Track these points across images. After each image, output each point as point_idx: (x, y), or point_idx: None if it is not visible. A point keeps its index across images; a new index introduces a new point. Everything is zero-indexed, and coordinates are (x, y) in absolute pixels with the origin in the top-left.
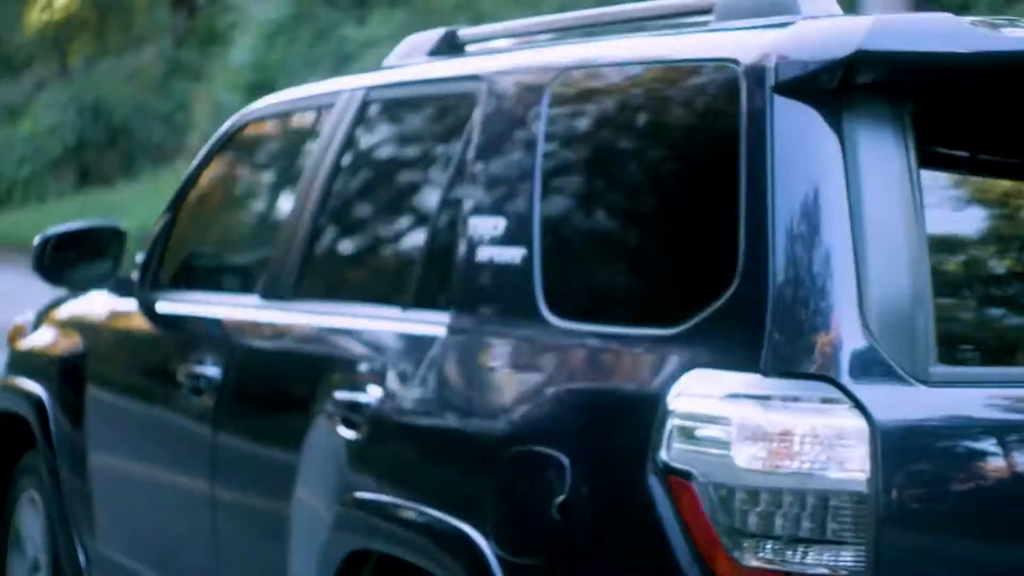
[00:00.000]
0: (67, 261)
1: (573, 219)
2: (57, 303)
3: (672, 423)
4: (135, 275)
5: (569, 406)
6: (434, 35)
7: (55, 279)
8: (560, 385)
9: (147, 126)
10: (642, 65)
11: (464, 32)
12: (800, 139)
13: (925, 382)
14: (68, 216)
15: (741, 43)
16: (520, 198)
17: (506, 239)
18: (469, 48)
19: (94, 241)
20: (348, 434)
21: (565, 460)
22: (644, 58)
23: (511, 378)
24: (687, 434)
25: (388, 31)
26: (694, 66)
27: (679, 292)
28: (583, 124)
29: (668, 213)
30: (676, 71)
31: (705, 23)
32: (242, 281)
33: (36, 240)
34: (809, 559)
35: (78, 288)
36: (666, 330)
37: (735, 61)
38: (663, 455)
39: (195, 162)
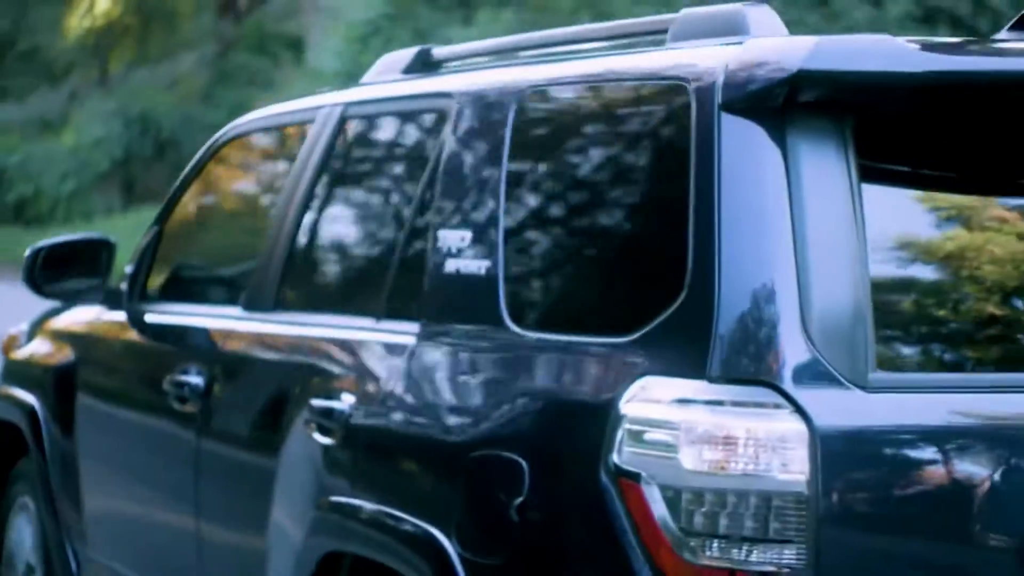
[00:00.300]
0: (57, 273)
1: (535, 232)
2: (51, 314)
3: (623, 427)
4: (124, 287)
5: (529, 412)
6: (409, 53)
7: (45, 291)
8: (521, 392)
9: (194, 138)
10: (600, 83)
11: (438, 50)
12: (746, 155)
13: (864, 388)
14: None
15: (692, 62)
16: (486, 212)
17: (472, 251)
18: (444, 66)
19: (84, 253)
20: (323, 440)
21: (524, 463)
22: (602, 76)
23: (475, 385)
24: (636, 437)
25: (496, 32)
26: (648, 84)
27: (632, 303)
28: (545, 141)
29: (622, 226)
30: (632, 89)
31: (661, 43)
32: (226, 293)
33: (27, 252)
34: (753, 557)
35: (68, 300)
36: (620, 339)
37: (686, 79)
38: (614, 458)
39: (183, 175)
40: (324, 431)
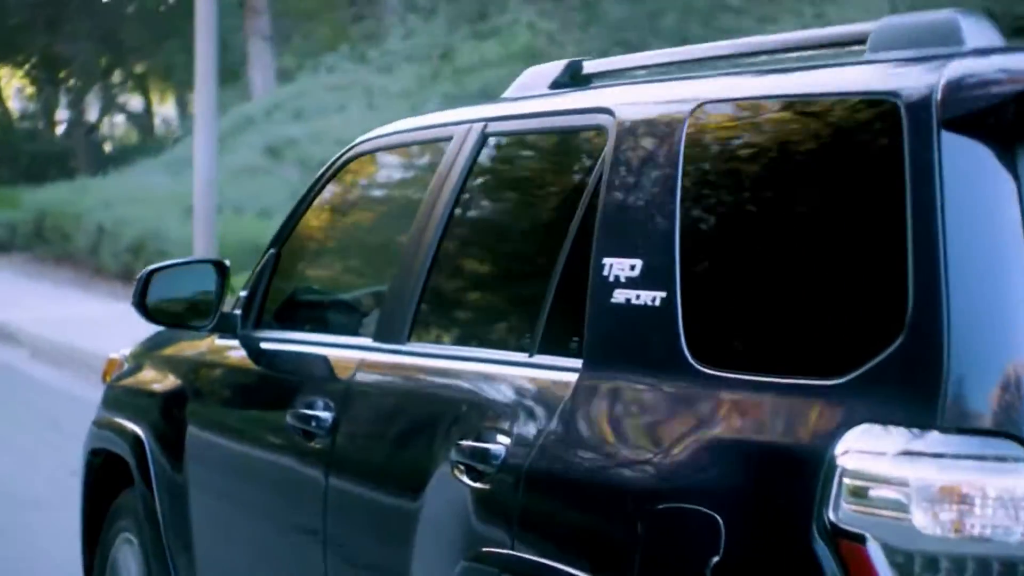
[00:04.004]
0: (169, 298)
1: (719, 259)
2: (156, 339)
3: (841, 482)
4: (238, 312)
5: (721, 461)
6: (556, 67)
7: (155, 317)
8: (710, 438)
9: None
10: (792, 99)
11: (590, 64)
12: (972, 178)
13: None
14: None
15: (902, 76)
16: (658, 237)
17: (644, 280)
18: (595, 81)
19: (196, 277)
20: (473, 484)
21: (719, 519)
22: (794, 92)
23: (656, 429)
24: (859, 494)
25: None
26: (850, 100)
27: (842, 340)
28: (725, 160)
29: (827, 255)
30: (831, 105)
31: (859, 55)
32: (352, 321)
33: (138, 276)
34: None
35: (179, 326)
36: (828, 381)
37: (896, 95)
38: (831, 516)
39: (303, 195)
40: (474, 475)
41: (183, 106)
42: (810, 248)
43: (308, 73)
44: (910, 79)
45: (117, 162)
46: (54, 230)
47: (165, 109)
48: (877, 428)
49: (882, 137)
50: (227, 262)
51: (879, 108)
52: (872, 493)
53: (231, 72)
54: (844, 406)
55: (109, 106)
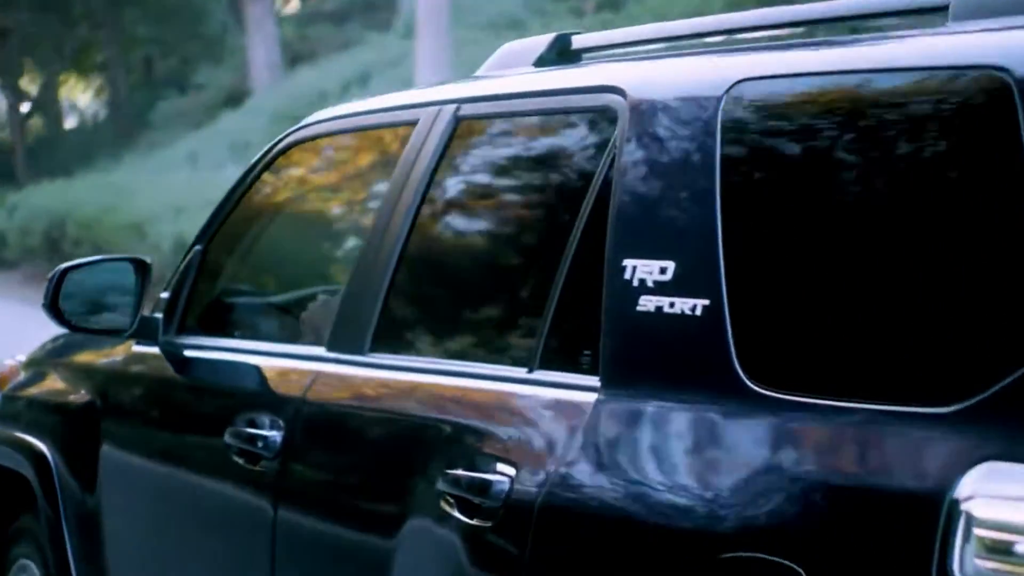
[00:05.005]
0: (82, 299)
1: (782, 256)
2: (58, 344)
3: (970, 532)
4: (159, 316)
5: (799, 502)
6: (540, 41)
7: (68, 320)
8: (781, 474)
9: None
10: (863, 74)
11: (580, 38)
12: None
13: None
14: None
15: (1008, 46)
16: (696, 234)
17: (679, 286)
18: (586, 56)
19: (114, 277)
20: (468, 520)
21: (802, 572)
22: (864, 66)
23: (708, 461)
24: (998, 550)
25: None
26: (943, 76)
27: (949, 361)
28: (780, 145)
29: (926, 255)
30: (917, 81)
31: (940, 24)
32: (291, 328)
33: (49, 275)
34: None
35: (93, 331)
36: (936, 408)
37: (1002, 68)
38: (957, 574)
39: (232, 187)
40: (469, 509)
41: (152, 86)
42: (907, 247)
43: (375, 37)
44: (1021, 49)
45: (39, 154)
46: (83, 243)
47: (67, 96)
48: (1009, 467)
49: (987, 117)
50: (149, 260)
51: (982, 84)
52: (1018, 548)
53: (213, 44)
54: (959, 439)
55: (50, 88)
